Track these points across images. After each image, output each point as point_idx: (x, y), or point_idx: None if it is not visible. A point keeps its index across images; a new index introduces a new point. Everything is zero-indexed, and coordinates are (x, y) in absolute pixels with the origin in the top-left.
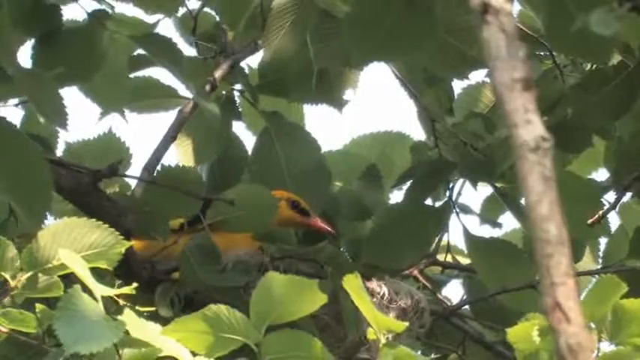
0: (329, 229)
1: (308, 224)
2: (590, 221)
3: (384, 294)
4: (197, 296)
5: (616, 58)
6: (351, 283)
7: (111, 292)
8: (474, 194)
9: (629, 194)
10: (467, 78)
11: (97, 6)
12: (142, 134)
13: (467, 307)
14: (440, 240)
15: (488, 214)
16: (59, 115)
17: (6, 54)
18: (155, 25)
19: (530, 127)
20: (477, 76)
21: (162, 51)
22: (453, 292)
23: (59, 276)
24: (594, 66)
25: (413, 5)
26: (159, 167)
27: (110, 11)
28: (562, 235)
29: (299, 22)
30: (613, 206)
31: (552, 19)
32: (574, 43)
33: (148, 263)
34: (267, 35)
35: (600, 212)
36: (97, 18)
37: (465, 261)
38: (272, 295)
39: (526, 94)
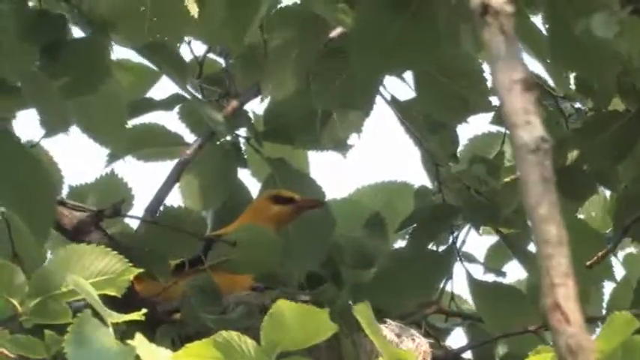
0: (317, 201)
1: (298, 209)
2: (589, 263)
3: (385, 336)
4: (198, 337)
5: (619, 105)
6: (362, 312)
7: (120, 317)
8: (478, 244)
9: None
10: (466, 122)
11: None
12: (144, 177)
13: (468, 353)
14: (444, 288)
15: (492, 264)
16: (61, 121)
17: (11, 63)
18: (160, 72)
19: (529, 128)
20: (484, 125)
21: (165, 60)
22: (456, 341)
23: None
24: (596, 111)
25: (416, 19)
26: (161, 208)
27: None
28: (562, 236)
29: (299, 62)
30: (613, 248)
31: (555, 37)
32: (577, 59)
33: (149, 304)
34: (266, 76)
35: (600, 254)
36: (100, 28)
37: (468, 310)
38: (283, 323)
39: (526, 95)
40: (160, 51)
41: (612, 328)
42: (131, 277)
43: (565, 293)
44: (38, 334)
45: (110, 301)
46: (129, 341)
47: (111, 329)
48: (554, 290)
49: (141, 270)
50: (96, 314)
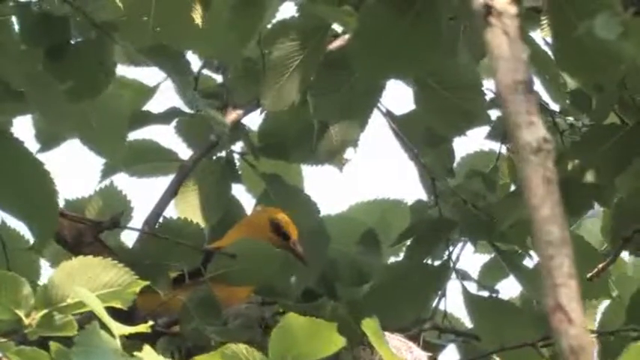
0: (302, 256)
1: (286, 248)
2: (589, 275)
3: None
4: (198, 350)
5: (615, 119)
6: (369, 326)
7: (127, 330)
8: (471, 263)
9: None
10: (464, 135)
11: None
12: (142, 189)
13: None
14: (437, 305)
15: (487, 281)
16: (64, 126)
17: (14, 66)
18: (156, 87)
19: (532, 128)
20: (478, 142)
21: (169, 62)
22: (449, 358)
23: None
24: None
25: (420, 20)
26: (160, 220)
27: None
28: (564, 236)
29: (299, 74)
30: (613, 260)
31: (559, 40)
32: (582, 62)
33: (148, 316)
34: (265, 87)
35: (600, 266)
36: (105, 30)
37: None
38: (292, 336)
39: (528, 96)
40: (165, 53)
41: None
42: (137, 290)
43: (567, 293)
44: (43, 347)
45: (110, 315)
46: (136, 353)
47: (118, 341)
48: (556, 290)
49: (147, 283)
50: (102, 326)
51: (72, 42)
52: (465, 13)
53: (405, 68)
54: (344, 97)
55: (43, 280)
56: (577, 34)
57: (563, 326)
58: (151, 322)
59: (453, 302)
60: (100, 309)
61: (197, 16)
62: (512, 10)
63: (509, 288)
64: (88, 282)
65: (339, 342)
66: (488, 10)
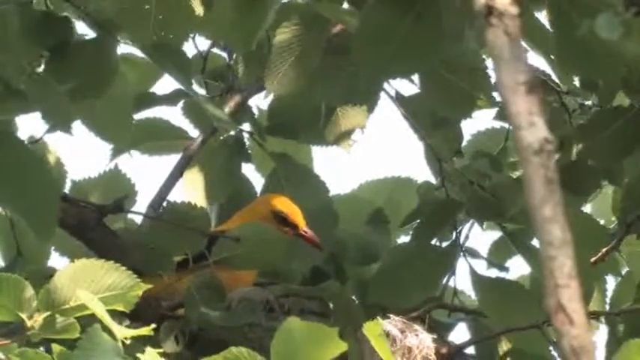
0: (316, 243)
1: (296, 235)
2: (593, 259)
3: (389, 332)
4: (202, 333)
5: (624, 100)
6: (372, 329)
7: (130, 332)
8: (481, 239)
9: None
10: (470, 117)
11: None
12: (147, 172)
13: (471, 350)
14: (447, 283)
15: (496, 259)
16: (64, 119)
17: (16, 65)
18: None
19: (533, 129)
20: (487, 121)
21: (169, 58)
22: (458, 335)
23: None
24: (601, 106)
25: (421, 20)
26: (165, 204)
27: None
28: (565, 237)
29: (303, 58)
30: (617, 244)
31: (560, 39)
32: (583, 61)
33: (153, 300)
34: (270, 71)
35: (604, 250)
36: (107, 28)
37: (471, 305)
38: (293, 341)
39: (530, 97)
40: (164, 50)
41: (626, 355)
42: (140, 293)
43: (569, 294)
44: (45, 349)
45: None
46: (139, 355)
47: (120, 344)
48: (557, 291)
49: (150, 286)
50: (105, 329)
51: (74, 41)
52: (467, 13)
53: (407, 68)
54: (348, 81)
55: (52, 263)
56: (579, 33)
57: (565, 327)
58: (153, 325)
59: (463, 279)
60: (102, 312)
61: (198, 6)
62: (514, 10)
63: (520, 266)
64: (90, 285)
65: (341, 346)
66: (490, 10)
